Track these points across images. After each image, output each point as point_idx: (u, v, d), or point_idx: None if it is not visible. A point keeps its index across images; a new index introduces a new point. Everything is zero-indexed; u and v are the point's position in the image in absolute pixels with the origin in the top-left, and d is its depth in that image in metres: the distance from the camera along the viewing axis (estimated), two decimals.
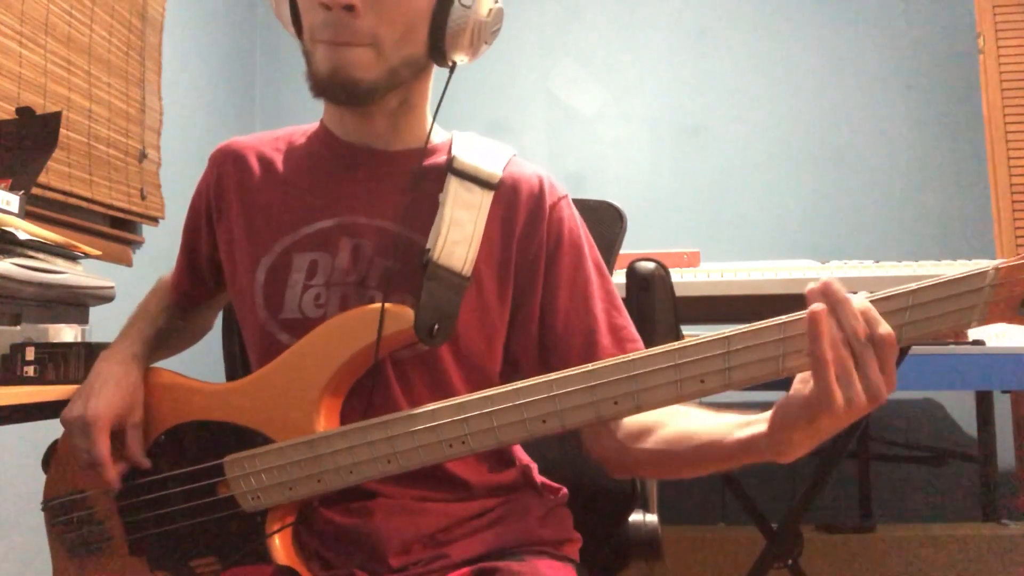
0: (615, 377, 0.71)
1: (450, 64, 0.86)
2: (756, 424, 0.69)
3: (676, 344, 0.69)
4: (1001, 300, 0.63)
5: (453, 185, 0.86)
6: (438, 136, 0.92)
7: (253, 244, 0.88)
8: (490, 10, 0.84)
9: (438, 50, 0.83)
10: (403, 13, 0.80)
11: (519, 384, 0.73)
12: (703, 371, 0.68)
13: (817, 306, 0.61)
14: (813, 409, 0.63)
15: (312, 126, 0.95)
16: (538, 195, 0.89)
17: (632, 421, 0.81)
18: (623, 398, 0.70)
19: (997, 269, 0.63)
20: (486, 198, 0.86)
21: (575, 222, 0.92)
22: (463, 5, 0.81)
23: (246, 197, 0.91)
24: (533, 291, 0.88)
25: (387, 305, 0.79)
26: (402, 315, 0.78)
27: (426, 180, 0.88)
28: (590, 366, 0.72)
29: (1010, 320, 0.63)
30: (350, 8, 0.77)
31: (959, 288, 0.64)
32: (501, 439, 0.74)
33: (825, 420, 0.63)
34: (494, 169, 0.88)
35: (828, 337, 0.61)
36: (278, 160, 0.92)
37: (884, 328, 0.61)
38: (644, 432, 0.80)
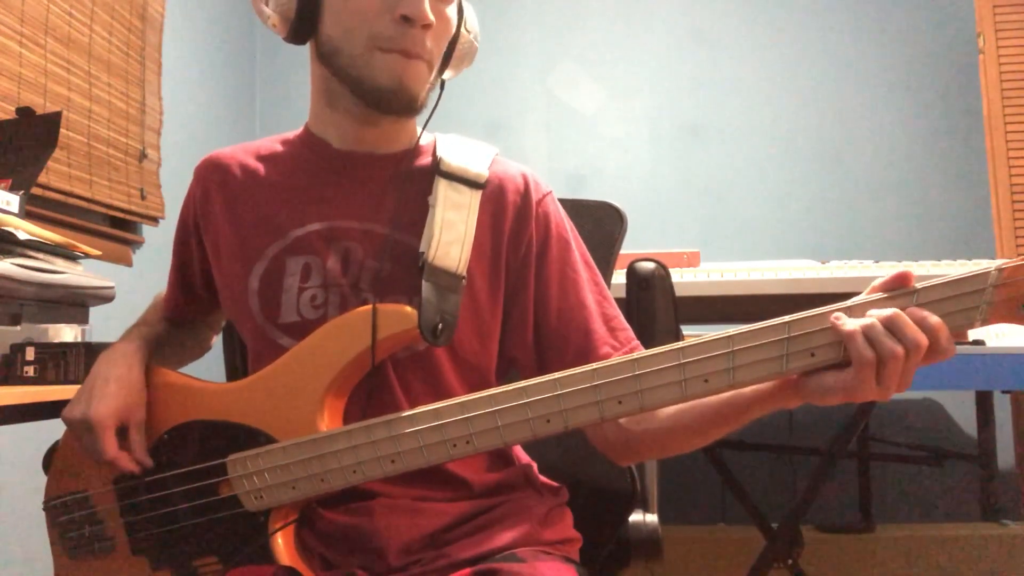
0: (619, 376, 0.71)
1: (441, 80, 0.91)
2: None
3: (679, 343, 0.69)
4: (1004, 300, 0.64)
5: (442, 187, 0.87)
6: (422, 138, 0.94)
7: (244, 252, 0.89)
8: (475, 32, 0.92)
9: (443, 69, 0.90)
10: (448, 36, 0.87)
11: (523, 383, 0.73)
12: (707, 371, 0.69)
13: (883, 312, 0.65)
14: (841, 396, 0.67)
15: (293, 133, 0.96)
16: (524, 193, 0.91)
17: None
18: (627, 398, 0.70)
19: (1000, 270, 0.63)
20: (475, 198, 0.87)
21: (560, 217, 0.93)
22: (467, 31, 0.90)
23: (233, 207, 0.91)
24: (525, 288, 0.89)
25: (391, 306, 0.79)
26: (406, 315, 0.78)
27: (413, 182, 0.89)
28: (594, 365, 0.72)
29: (1012, 320, 0.63)
30: (428, 26, 0.81)
31: (962, 288, 0.64)
32: (506, 439, 0.74)
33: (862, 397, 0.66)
34: (480, 169, 0.89)
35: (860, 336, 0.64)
36: (262, 168, 0.93)
37: (950, 347, 0.65)
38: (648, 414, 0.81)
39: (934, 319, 0.64)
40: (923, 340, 0.64)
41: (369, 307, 0.79)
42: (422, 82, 0.84)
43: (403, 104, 0.84)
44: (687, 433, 0.80)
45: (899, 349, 0.63)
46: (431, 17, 0.81)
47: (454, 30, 0.88)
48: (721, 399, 0.74)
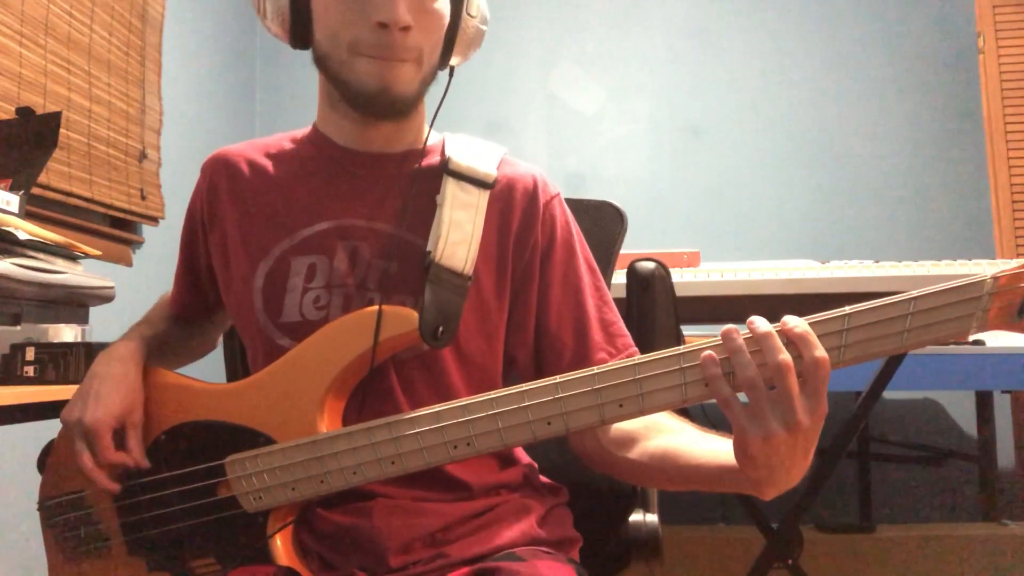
0: (620, 380, 0.71)
1: (450, 68, 0.90)
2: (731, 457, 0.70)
3: (680, 348, 0.69)
4: (999, 308, 0.63)
5: (450, 186, 0.86)
6: (430, 138, 0.93)
7: (250, 250, 0.88)
8: (482, 15, 0.89)
9: (446, 57, 0.88)
10: (440, 28, 0.85)
11: (524, 386, 0.73)
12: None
13: (706, 352, 0.66)
14: (740, 447, 0.66)
15: (302, 131, 0.95)
16: (532, 194, 0.91)
17: (618, 428, 0.83)
18: (628, 401, 0.70)
19: (996, 278, 0.63)
20: (483, 198, 0.87)
21: (567, 220, 0.93)
22: (471, 15, 0.87)
23: (240, 204, 0.91)
24: (529, 289, 0.89)
25: (391, 308, 0.79)
26: (406, 317, 0.78)
27: (422, 182, 0.88)
28: (595, 369, 0.72)
29: (1007, 328, 0.63)
30: (407, 28, 0.80)
31: (958, 296, 0.64)
32: (506, 441, 0.74)
33: (759, 453, 0.65)
34: (488, 169, 0.89)
35: (721, 379, 0.65)
36: (271, 166, 0.92)
37: (820, 352, 0.63)
38: (629, 441, 0.82)
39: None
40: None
41: (369, 309, 0.79)
42: (407, 82, 0.83)
43: (389, 106, 0.83)
44: (660, 478, 0.81)
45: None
46: (407, 20, 0.79)
47: (447, 20, 0.85)
48: (695, 462, 0.75)
